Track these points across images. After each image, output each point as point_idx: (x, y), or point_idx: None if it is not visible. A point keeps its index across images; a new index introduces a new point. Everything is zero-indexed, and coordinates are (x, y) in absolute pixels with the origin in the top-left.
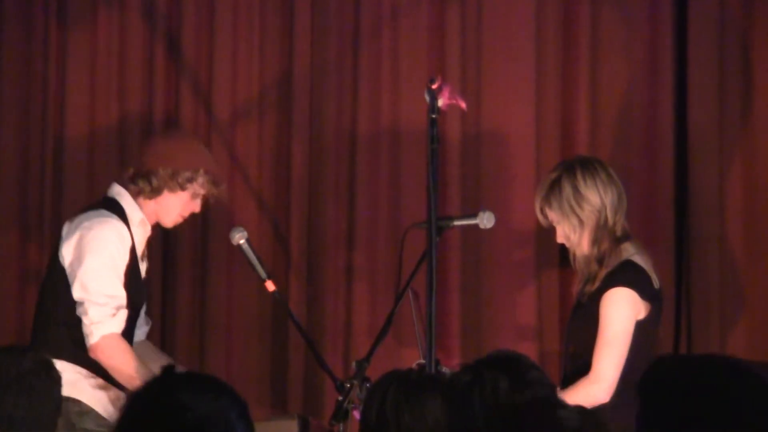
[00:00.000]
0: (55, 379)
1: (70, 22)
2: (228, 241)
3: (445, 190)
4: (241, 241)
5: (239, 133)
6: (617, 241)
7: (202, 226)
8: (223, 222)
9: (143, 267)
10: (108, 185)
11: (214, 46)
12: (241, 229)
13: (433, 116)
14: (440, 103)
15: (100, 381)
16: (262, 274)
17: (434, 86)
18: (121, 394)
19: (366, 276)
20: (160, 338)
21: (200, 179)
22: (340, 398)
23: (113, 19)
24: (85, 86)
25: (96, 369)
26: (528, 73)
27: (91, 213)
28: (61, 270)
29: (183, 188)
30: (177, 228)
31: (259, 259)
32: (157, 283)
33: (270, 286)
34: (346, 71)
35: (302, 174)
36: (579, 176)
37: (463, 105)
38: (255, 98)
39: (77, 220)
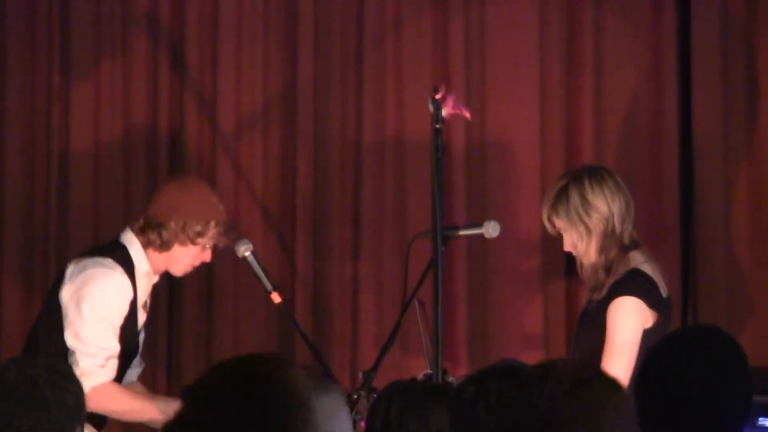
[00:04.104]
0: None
1: (73, 37)
2: (234, 253)
3: (451, 199)
4: (247, 254)
5: (244, 145)
6: (625, 249)
7: None
8: None
9: (142, 317)
10: (113, 201)
11: (217, 59)
12: (247, 241)
13: (437, 126)
14: (444, 112)
15: None
16: (268, 286)
17: (438, 96)
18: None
19: (372, 286)
20: (167, 352)
21: (211, 232)
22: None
23: (116, 32)
24: (90, 100)
25: None
26: (532, 82)
27: (97, 260)
28: (58, 309)
29: (193, 242)
30: None
31: (264, 271)
32: (164, 297)
33: (276, 298)
34: (349, 82)
35: (307, 185)
36: (586, 184)
37: (467, 114)
38: (259, 110)
39: (82, 264)
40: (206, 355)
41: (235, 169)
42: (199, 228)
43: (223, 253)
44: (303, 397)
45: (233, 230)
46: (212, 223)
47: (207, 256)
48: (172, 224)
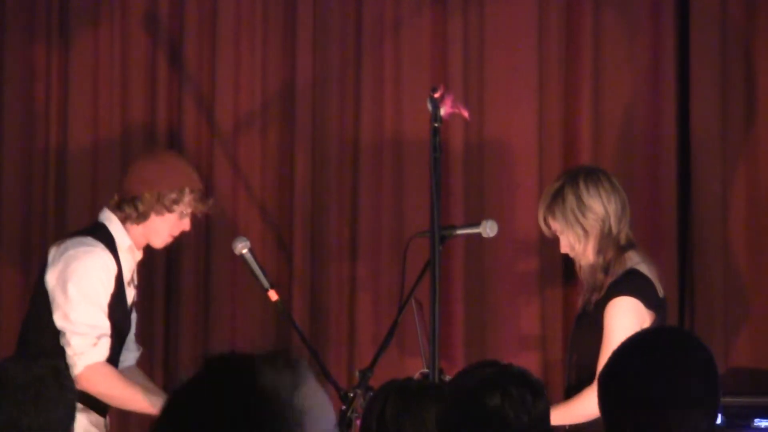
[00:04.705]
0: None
1: (72, 35)
2: (231, 251)
3: (448, 199)
4: (244, 251)
5: (242, 143)
6: (622, 249)
7: (205, 237)
8: (226, 232)
9: (130, 293)
10: (111, 198)
11: (216, 57)
12: (244, 238)
13: (436, 125)
14: (442, 112)
15: (80, 405)
16: (265, 283)
17: (436, 95)
18: (101, 420)
19: (369, 285)
20: (164, 349)
21: (186, 198)
22: (344, 408)
23: (115, 31)
24: (88, 98)
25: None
26: (530, 82)
27: (77, 240)
28: (45, 295)
29: (170, 210)
30: (180, 239)
31: (261, 268)
32: (161, 294)
33: (273, 295)
34: (348, 81)
35: (305, 184)
36: (582, 186)
37: (466, 114)
38: (258, 109)
39: (63, 246)
40: (203, 354)
41: (233, 168)
42: (174, 196)
43: (220, 251)
44: (282, 399)
45: (209, 197)
46: (186, 190)
47: (186, 225)
48: (147, 195)
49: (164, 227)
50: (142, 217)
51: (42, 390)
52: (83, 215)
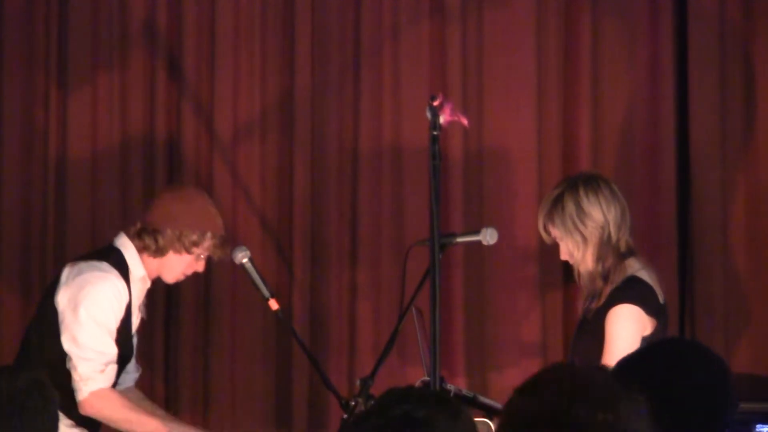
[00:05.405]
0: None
1: (71, 44)
2: (231, 261)
3: (448, 206)
4: (244, 260)
5: (241, 152)
6: (621, 257)
7: None
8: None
9: (136, 321)
10: (110, 207)
11: (215, 67)
12: (244, 248)
13: (435, 133)
14: (441, 119)
15: (70, 421)
16: (265, 293)
17: (435, 103)
18: None
19: (370, 293)
20: (164, 359)
21: (206, 243)
22: (345, 416)
23: (114, 40)
24: (87, 107)
25: (68, 411)
26: (529, 89)
27: (92, 264)
28: (54, 314)
29: (188, 251)
30: None
31: (262, 278)
32: (161, 305)
33: (273, 305)
34: (347, 89)
35: (305, 192)
36: (582, 193)
37: (465, 122)
38: (257, 117)
39: (77, 268)
40: (203, 364)
41: (233, 177)
42: (195, 237)
43: (220, 261)
44: None
45: (229, 244)
46: (208, 234)
47: (200, 266)
48: (169, 231)
49: (179, 265)
50: (159, 252)
51: (26, 402)
52: (82, 226)
